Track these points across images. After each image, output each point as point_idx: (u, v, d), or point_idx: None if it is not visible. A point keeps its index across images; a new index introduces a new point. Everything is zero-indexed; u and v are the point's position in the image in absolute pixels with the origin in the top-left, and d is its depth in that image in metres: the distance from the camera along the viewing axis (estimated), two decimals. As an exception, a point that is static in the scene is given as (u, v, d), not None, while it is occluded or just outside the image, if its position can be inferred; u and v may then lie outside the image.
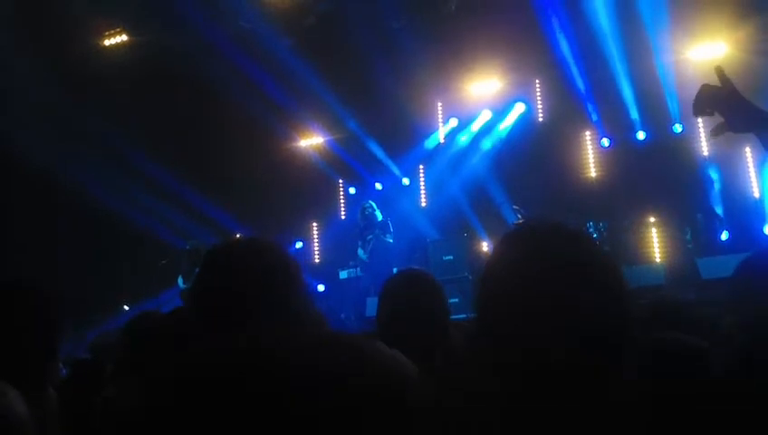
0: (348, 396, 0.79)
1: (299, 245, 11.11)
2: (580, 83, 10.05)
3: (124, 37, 10.59)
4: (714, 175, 9.32)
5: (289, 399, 0.76)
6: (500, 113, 10.82)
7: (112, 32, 10.65)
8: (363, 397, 0.81)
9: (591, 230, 8.93)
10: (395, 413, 0.82)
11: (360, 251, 9.57)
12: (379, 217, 9.45)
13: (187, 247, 9.76)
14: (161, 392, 0.78)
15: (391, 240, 9.31)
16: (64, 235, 10.07)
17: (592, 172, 10.37)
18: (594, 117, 10.15)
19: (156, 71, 10.26)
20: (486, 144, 10.84)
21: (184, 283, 9.59)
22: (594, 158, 10.39)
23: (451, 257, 9.25)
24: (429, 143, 11.11)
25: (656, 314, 2.57)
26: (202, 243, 9.85)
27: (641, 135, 9.88)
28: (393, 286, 2.63)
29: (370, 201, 9.64)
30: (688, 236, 8.98)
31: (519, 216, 9.36)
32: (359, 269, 9.52)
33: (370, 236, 9.41)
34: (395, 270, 9.11)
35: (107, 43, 10.61)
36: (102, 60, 10.51)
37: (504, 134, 10.80)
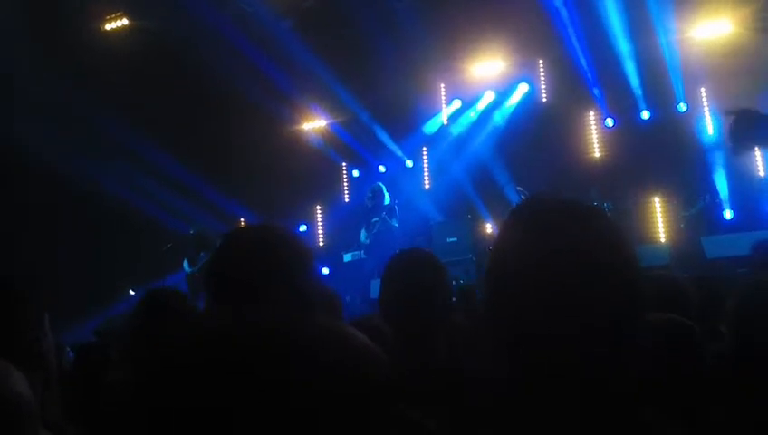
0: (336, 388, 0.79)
1: (303, 228, 11.12)
2: (583, 63, 9.99)
3: (125, 21, 10.55)
4: (718, 154, 9.28)
5: (284, 385, 0.76)
6: (503, 94, 10.78)
7: (113, 16, 10.60)
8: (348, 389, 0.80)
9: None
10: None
11: (363, 234, 9.59)
12: (387, 200, 9.48)
13: (191, 232, 9.80)
14: (156, 372, 0.78)
15: (396, 224, 9.32)
16: (67, 222, 10.08)
17: (596, 152, 10.34)
18: (598, 97, 10.10)
19: (156, 54, 10.22)
20: (490, 125, 10.81)
21: (189, 267, 9.63)
22: (598, 138, 10.35)
23: (455, 239, 9.26)
24: (432, 125, 11.08)
25: (657, 295, 2.57)
26: (206, 227, 9.89)
27: (645, 115, 9.83)
28: (395, 267, 2.64)
29: (380, 183, 9.67)
30: (693, 215, 8.96)
31: (522, 197, 9.35)
32: (362, 252, 9.54)
33: (376, 219, 9.43)
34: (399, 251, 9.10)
35: (108, 27, 10.57)
36: (103, 44, 10.47)
37: (507, 115, 10.75)
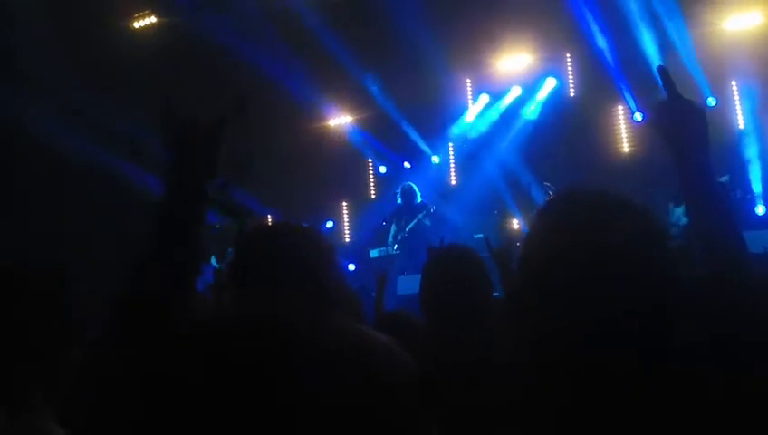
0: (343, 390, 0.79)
1: (329, 224, 11.14)
2: (611, 57, 9.88)
3: (153, 19, 10.65)
4: (750, 148, 9.12)
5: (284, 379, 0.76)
6: (531, 89, 10.69)
7: (141, 14, 10.71)
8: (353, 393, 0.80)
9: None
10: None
11: (393, 229, 9.62)
12: (419, 198, 9.50)
13: (218, 228, 9.87)
14: (171, 357, 0.80)
15: (429, 223, 9.34)
16: (96, 218, 10.18)
17: (625, 147, 10.23)
18: (626, 91, 9.98)
19: (183, 51, 10.30)
20: (517, 120, 10.74)
21: (217, 262, 9.71)
22: (627, 133, 10.24)
23: (481, 235, 9.22)
24: (459, 121, 11.03)
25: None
26: (231, 224, 9.94)
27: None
28: (437, 262, 2.66)
29: (411, 183, 9.68)
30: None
31: (550, 192, 9.29)
32: (393, 247, 9.55)
33: (407, 217, 9.45)
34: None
35: (136, 25, 10.68)
36: (131, 41, 10.58)
37: (534, 110, 10.68)
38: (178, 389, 0.76)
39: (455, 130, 11.00)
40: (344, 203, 11.56)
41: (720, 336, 1.26)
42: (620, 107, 10.22)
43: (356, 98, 11.14)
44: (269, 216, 11.19)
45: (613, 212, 1.09)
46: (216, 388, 0.75)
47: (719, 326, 1.36)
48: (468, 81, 11.10)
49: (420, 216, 9.33)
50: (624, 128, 10.26)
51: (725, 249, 1.58)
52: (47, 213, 9.45)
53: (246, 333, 0.78)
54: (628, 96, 9.99)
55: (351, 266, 10.15)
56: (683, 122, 1.59)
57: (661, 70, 1.64)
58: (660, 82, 1.65)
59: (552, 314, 1.04)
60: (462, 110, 11.03)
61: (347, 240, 11.32)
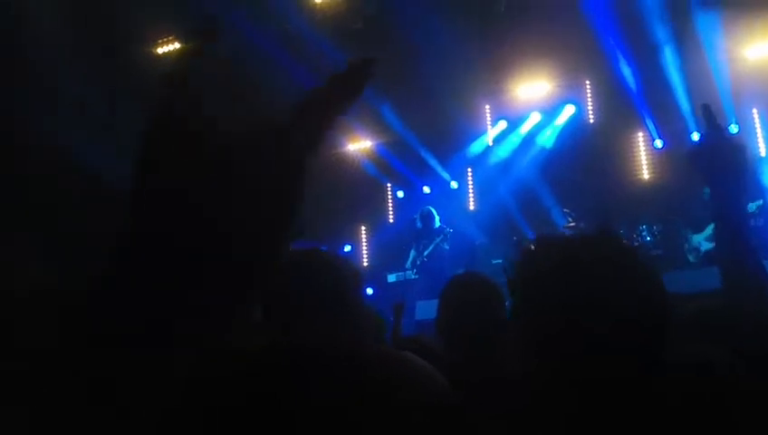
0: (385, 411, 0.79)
1: (347, 248, 11.16)
2: (631, 84, 9.88)
3: (176, 45, 10.80)
4: (772, 175, 9.04)
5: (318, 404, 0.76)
6: (549, 115, 10.71)
7: (165, 40, 10.87)
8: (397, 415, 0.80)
9: (645, 234, 8.77)
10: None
11: (413, 254, 9.61)
12: (438, 223, 9.51)
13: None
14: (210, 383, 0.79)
15: (447, 247, 9.34)
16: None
17: (645, 174, 10.18)
18: (647, 118, 9.96)
19: (204, 75, 10.41)
20: (536, 147, 10.74)
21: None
22: (647, 159, 10.20)
23: (500, 261, 9.19)
24: (477, 146, 11.05)
25: (701, 323, 2.51)
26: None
27: (696, 136, 9.65)
28: (450, 291, 2.68)
29: (430, 207, 9.71)
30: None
31: (569, 219, 9.26)
32: (411, 272, 9.54)
33: (427, 242, 9.45)
34: (448, 275, 9.09)
35: (159, 51, 10.84)
36: (155, 67, 10.74)
37: (553, 136, 10.68)
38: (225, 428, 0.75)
39: (473, 150, 11.01)
40: (362, 227, 11.57)
41: (734, 355, 1.34)
42: (640, 133, 10.20)
43: (374, 123, 11.19)
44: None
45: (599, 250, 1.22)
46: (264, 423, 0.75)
47: (734, 346, 1.43)
48: (487, 107, 11.14)
49: (438, 240, 9.34)
50: (644, 154, 10.22)
51: (747, 278, 1.68)
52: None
53: (294, 366, 0.78)
54: (649, 122, 9.97)
55: (369, 291, 10.14)
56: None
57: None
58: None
59: (551, 326, 1.13)
60: (480, 135, 11.05)
61: (365, 264, 11.32)
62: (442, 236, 9.40)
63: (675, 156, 9.78)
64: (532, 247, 1.44)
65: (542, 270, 1.25)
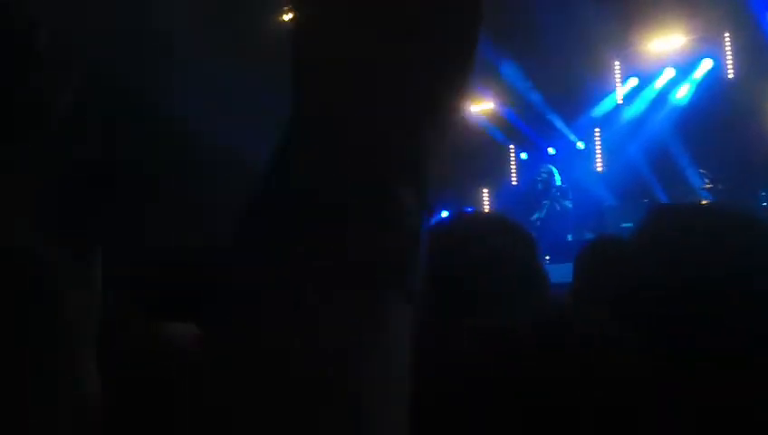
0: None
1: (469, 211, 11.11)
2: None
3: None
4: None
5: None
6: (684, 71, 10.13)
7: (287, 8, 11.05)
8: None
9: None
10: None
11: (536, 215, 9.50)
12: (558, 181, 9.34)
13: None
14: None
15: (570, 205, 9.14)
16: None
17: (790, 131, 9.51)
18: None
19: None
20: (669, 104, 10.24)
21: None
22: (793, 116, 9.51)
23: (630, 225, 8.89)
24: (606, 104, 10.64)
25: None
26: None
27: None
28: (590, 257, 2.60)
29: (550, 165, 9.55)
30: None
31: (706, 180, 8.85)
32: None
33: (546, 202, 9.29)
34: (570, 237, 8.93)
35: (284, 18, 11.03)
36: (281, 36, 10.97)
37: (688, 93, 10.13)
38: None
39: (601, 109, 10.65)
40: (484, 190, 11.45)
41: None
42: (786, 88, 9.51)
43: (498, 83, 11.00)
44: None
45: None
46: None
47: None
48: (617, 63, 10.66)
49: (557, 195, 9.17)
50: (789, 112, 9.53)
51: None
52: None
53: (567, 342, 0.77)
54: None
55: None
56: None
57: None
58: None
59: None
60: (609, 94, 10.63)
61: (487, 227, 11.23)
62: (560, 195, 9.21)
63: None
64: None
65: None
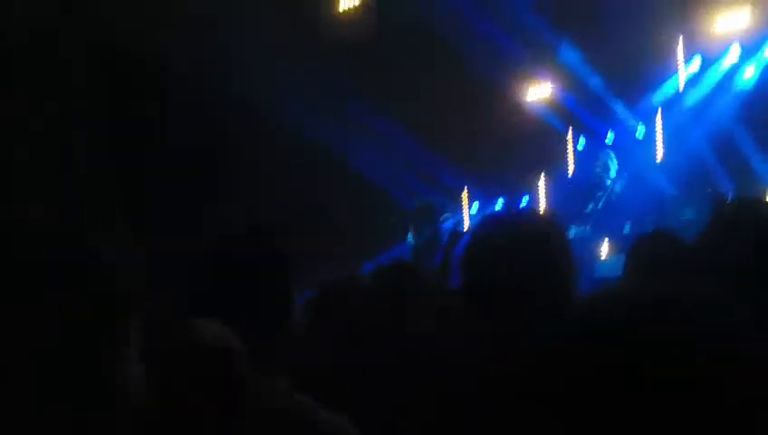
0: None
1: (525, 199, 10.98)
2: None
3: (356, 2, 10.96)
4: None
5: None
6: (753, 49, 9.65)
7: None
8: None
9: None
10: None
11: (591, 206, 9.33)
12: (615, 170, 9.15)
13: (416, 205, 10.08)
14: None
15: (622, 193, 9.00)
16: (298, 186, 10.70)
17: None
18: None
19: (386, 29, 10.55)
20: (736, 85, 9.79)
21: (413, 239, 9.94)
22: None
23: (692, 216, 8.61)
24: (668, 88, 10.24)
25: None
26: (430, 201, 10.12)
27: None
28: (640, 250, 2.56)
29: (608, 152, 9.35)
30: None
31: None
32: (588, 227, 9.23)
33: (601, 193, 9.12)
34: (627, 227, 8.74)
35: (341, 8, 11.08)
36: (339, 24, 11.05)
37: (757, 74, 9.65)
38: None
39: (663, 92, 10.28)
40: (541, 176, 11.25)
41: None
42: None
43: (556, 67, 10.76)
44: (465, 188, 11.28)
45: None
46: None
47: None
48: (681, 39, 10.19)
49: (612, 185, 9.00)
50: None
51: None
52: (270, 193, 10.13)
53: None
54: None
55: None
56: None
57: None
58: None
59: None
60: (671, 76, 10.21)
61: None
62: (614, 184, 9.04)
63: None
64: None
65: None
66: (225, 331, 1.35)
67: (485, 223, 2.10)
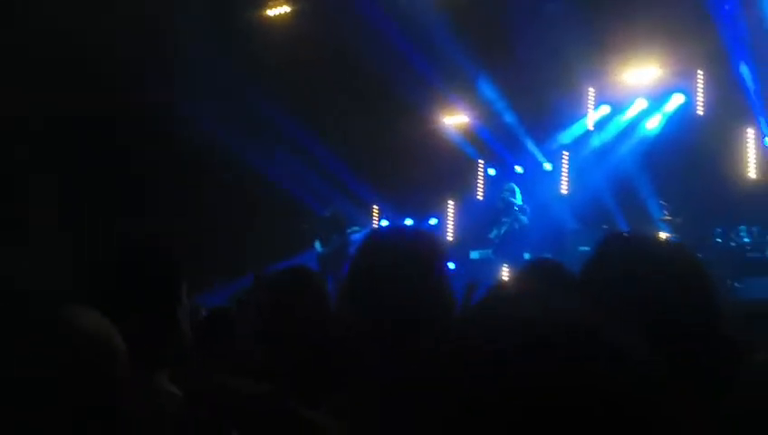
0: None
1: (433, 221, 11.19)
2: (747, 78, 9.35)
3: (286, 8, 11.00)
4: None
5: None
6: (656, 103, 10.31)
7: (275, 2, 11.09)
8: None
9: (743, 235, 8.37)
10: None
11: (494, 232, 9.57)
12: (519, 201, 9.43)
13: (326, 214, 10.11)
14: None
15: (527, 222, 9.25)
16: (212, 193, 10.57)
17: (752, 173, 9.67)
18: (759, 116, 9.43)
19: (311, 40, 10.59)
20: (638, 134, 10.39)
21: (321, 247, 9.94)
22: (756, 158, 9.67)
23: (587, 249, 8.98)
24: (576, 129, 10.77)
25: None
26: (340, 211, 10.17)
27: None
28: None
29: (512, 183, 9.64)
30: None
31: (665, 211, 8.96)
32: (491, 251, 9.49)
33: (506, 219, 9.37)
34: (526, 256, 9.00)
35: (270, 13, 11.07)
36: (265, 30, 11.02)
37: (658, 125, 10.28)
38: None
39: (571, 133, 10.77)
40: (450, 201, 11.53)
41: None
42: (751, 130, 9.67)
43: (473, 98, 11.11)
44: (375, 206, 11.38)
45: None
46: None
47: None
48: (591, 89, 10.78)
49: (512, 218, 9.28)
50: (753, 153, 9.70)
51: None
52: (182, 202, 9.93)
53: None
54: (762, 120, 9.45)
55: (452, 265, 10.15)
56: None
57: None
58: None
59: None
60: (580, 118, 10.76)
61: (450, 239, 11.31)
62: (517, 215, 9.30)
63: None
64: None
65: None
66: (105, 322, 1.36)
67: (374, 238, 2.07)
